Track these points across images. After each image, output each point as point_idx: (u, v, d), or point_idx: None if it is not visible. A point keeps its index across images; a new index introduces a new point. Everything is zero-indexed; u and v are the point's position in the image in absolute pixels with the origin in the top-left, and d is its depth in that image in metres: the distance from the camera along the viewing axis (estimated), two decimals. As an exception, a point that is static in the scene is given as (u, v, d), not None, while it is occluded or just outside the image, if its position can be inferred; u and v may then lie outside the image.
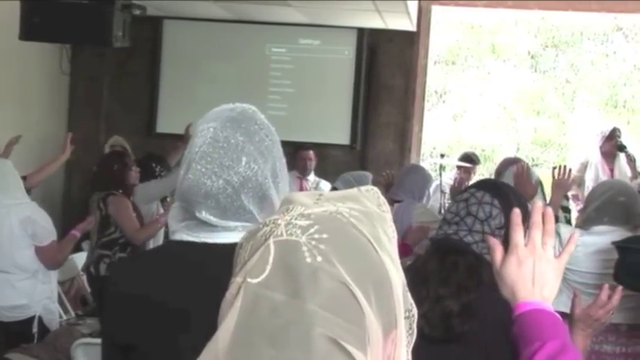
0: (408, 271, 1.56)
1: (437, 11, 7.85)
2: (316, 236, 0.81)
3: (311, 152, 7.17)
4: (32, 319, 4.42)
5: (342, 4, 6.43)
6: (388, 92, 7.66)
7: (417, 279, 2.01)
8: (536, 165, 11.13)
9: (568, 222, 5.06)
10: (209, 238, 1.53)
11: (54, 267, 4.58)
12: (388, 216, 0.89)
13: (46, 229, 4.48)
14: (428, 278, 2.08)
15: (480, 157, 8.20)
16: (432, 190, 6.05)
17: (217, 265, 1.02)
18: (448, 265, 2.09)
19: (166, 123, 7.72)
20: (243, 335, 0.78)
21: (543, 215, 1.47)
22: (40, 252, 4.43)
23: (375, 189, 0.92)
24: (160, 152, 6.25)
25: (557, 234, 3.50)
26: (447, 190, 6.48)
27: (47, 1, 5.50)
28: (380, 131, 7.70)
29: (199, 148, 1.53)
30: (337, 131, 7.61)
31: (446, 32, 11.60)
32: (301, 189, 6.74)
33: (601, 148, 6.54)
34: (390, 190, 4.85)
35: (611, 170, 6.52)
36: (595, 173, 6.51)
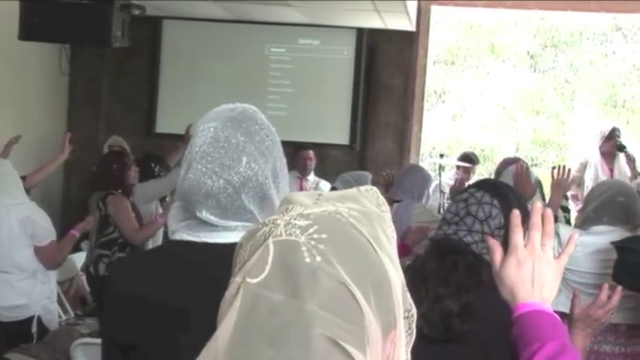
0: (407, 271, 1.56)
1: (436, 11, 7.85)
2: (315, 236, 0.81)
3: (311, 152, 7.18)
4: (31, 319, 4.42)
5: (341, 4, 6.43)
6: (387, 92, 7.66)
7: (416, 279, 2.01)
8: (536, 165, 11.14)
9: (567, 222, 5.06)
10: (209, 237, 1.54)
11: (53, 267, 4.58)
12: (387, 216, 0.89)
13: (45, 229, 4.47)
14: (427, 278, 2.08)
15: (480, 157, 8.21)
16: (431, 190, 6.05)
17: (218, 264, 1.02)
18: (448, 265, 2.09)
19: (166, 123, 7.72)
20: (242, 335, 0.78)
21: (543, 216, 1.47)
22: (39, 252, 4.43)
23: (375, 189, 0.92)
24: (160, 152, 6.25)
25: (557, 234, 3.50)
26: (447, 189, 6.49)
27: (46, 1, 5.50)
28: (379, 131, 7.70)
29: (200, 147, 1.53)
30: (336, 131, 7.62)
31: (445, 32, 11.60)
32: (301, 189, 6.74)
33: (600, 148, 6.54)
34: (389, 189, 4.85)
35: (611, 170, 6.52)
36: (594, 173, 6.51)
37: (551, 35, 12.32)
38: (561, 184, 4.30)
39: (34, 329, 4.41)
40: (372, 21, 7.07)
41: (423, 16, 7.52)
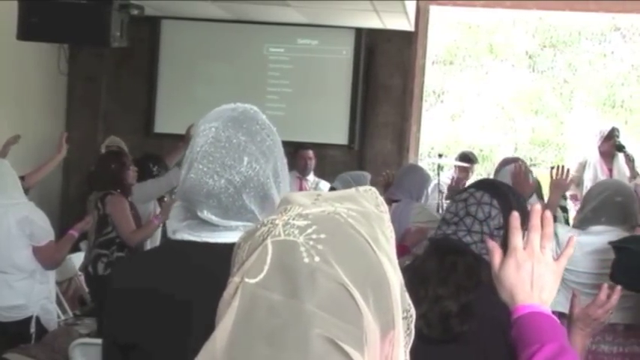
0: (406, 271, 1.56)
1: (435, 11, 7.85)
2: (314, 236, 0.81)
3: (311, 152, 7.19)
4: (30, 319, 4.41)
5: (340, 4, 6.43)
6: (386, 92, 7.66)
7: (415, 279, 2.01)
8: (534, 165, 11.14)
9: (566, 222, 5.06)
10: (210, 237, 1.54)
11: (52, 267, 4.58)
12: (386, 216, 0.89)
13: (43, 229, 4.47)
14: (426, 278, 2.08)
15: (478, 157, 8.21)
16: (429, 189, 6.05)
17: (218, 264, 1.03)
18: (447, 266, 2.09)
19: (164, 123, 7.72)
20: (240, 335, 0.78)
21: (542, 218, 1.47)
22: (38, 252, 4.43)
23: (373, 189, 0.92)
24: (158, 152, 6.25)
25: (555, 234, 3.50)
26: (445, 189, 6.49)
27: (45, 1, 5.50)
28: (378, 131, 7.70)
29: (201, 147, 1.53)
30: (335, 131, 7.62)
31: (444, 32, 11.60)
32: (301, 189, 6.74)
33: (599, 148, 6.54)
34: (388, 189, 4.84)
35: (610, 170, 6.52)
36: (594, 173, 6.51)
37: (549, 35, 12.33)
38: (560, 184, 4.31)
39: (32, 329, 4.40)
40: (371, 21, 7.07)
41: (421, 16, 7.52)
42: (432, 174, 6.40)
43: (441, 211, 5.81)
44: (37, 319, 4.44)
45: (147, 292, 1.53)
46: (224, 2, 6.64)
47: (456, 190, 5.36)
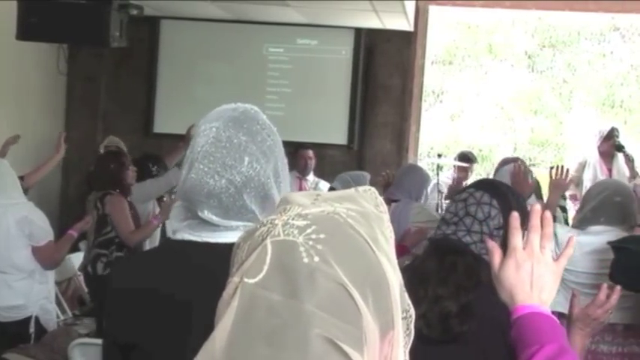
0: (406, 271, 1.56)
1: (434, 11, 7.85)
2: (313, 236, 0.81)
3: (310, 151, 7.20)
4: (29, 319, 4.41)
5: (339, 4, 6.44)
6: (385, 92, 7.66)
7: (414, 279, 2.01)
8: (534, 165, 11.13)
9: (566, 222, 5.06)
10: (211, 237, 1.54)
11: (51, 267, 4.57)
12: (385, 216, 0.89)
13: (42, 229, 4.47)
14: (426, 278, 2.08)
15: (478, 158, 8.21)
16: (429, 189, 6.06)
17: (219, 264, 1.03)
18: (447, 266, 2.09)
19: (164, 123, 7.72)
20: (239, 335, 0.78)
21: (542, 218, 1.47)
22: (37, 252, 4.42)
23: (373, 189, 0.92)
24: (158, 152, 6.25)
25: (554, 235, 3.50)
26: (444, 189, 6.49)
27: (44, 1, 5.50)
28: (377, 131, 7.70)
29: (202, 147, 1.53)
30: (335, 131, 7.62)
31: (443, 32, 11.60)
32: (301, 189, 6.75)
33: (599, 148, 6.55)
34: (387, 189, 4.84)
35: (610, 170, 6.53)
36: (593, 173, 6.52)
37: (549, 35, 12.32)
38: (559, 184, 4.31)
39: (31, 329, 4.40)
40: (370, 21, 7.07)
41: (421, 16, 7.52)
42: (431, 174, 6.40)
43: (440, 211, 5.81)
44: (37, 319, 4.44)
45: (147, 292, 1.53)
46: (223, 2, 6.64)
47: (456, 190, 5.35)
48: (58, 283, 5.32)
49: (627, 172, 6.38)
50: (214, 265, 1.17)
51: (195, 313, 1.41)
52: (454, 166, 7.29)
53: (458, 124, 12.39)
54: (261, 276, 0.79)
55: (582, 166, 6.63)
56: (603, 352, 3.66)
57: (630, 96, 11.99)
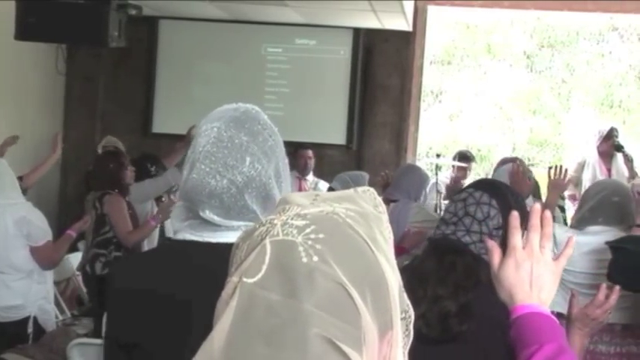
0: (405, 271, 1.56)
1: (433, 11, 7.85)
2: (312, 236, 0.81)
3: (310, 151, 7.21)
4: (27, 319, 4.40)
5: (338, 4, 6.44)
6: (384, 92, 7.67)
7: (414, 279, 2.01)
8: (533, 165, 11.13)
9: (564, 222, 5.06)
10: (212, 237, 1.54)
11: (49, 267, 4.57)
12: (384, 217, 0.89)
13: (41, 229, 4.46)
14: (425, 278, 2.08)
15: (476, 157, 8.21)
16: (428, 189, 6.06)
17: (220, 264, 1.03)
18: (446, 265, 2.09)
19: (162, 123, 7.72)
20: (238, 335, 0.78)
21: (541, 218, 1.47)
22: (36, 252, 4.42)
23: (372, 190, 0.92)
24: (156, 152, 6.24)
25: (553, 235, 3.49)
26: (443, 189, 6.49)
27: (43, 1, 5.50)
28: (376, 131, 7.70)
29: (203, 147, 1.53)
30: (333, 131, 7.62)
31: (441, 32, 11.59)
32: (300, 189, 6.75)
33: (598, 148, 6.55)
34: (386, 189, 4.85)
35: (609, 170, 6.53)
36: (593, 173, 6.52)
37: (547, 35, 12.32)
38: (558, 184, 4.31)
39: (30, 330, 4.40)
40: (369, 21, 7.07)
41: (419, 16, 7.52)
42: (430, 174, 6.40)
43: (439, 211, 5.82)
44: (35, 320, 4.44)
45: (148, 292, 1.53)
46: (222, 2, 6.64)
47: (454, 189, 5.36)
48: (56, 283, 5.32)
49: (626, 172, 6.38)
50: (215, 265, 1.18)
51: (195, 312, 1.41)
52: (453, 166, 7.29)
53: (456, 124, 12.39)
54: (260, 276, 0.79)
55: (581, 166, 6.63)
56: (602, 352, 3.66)
57: (629, 96, 11.99)
